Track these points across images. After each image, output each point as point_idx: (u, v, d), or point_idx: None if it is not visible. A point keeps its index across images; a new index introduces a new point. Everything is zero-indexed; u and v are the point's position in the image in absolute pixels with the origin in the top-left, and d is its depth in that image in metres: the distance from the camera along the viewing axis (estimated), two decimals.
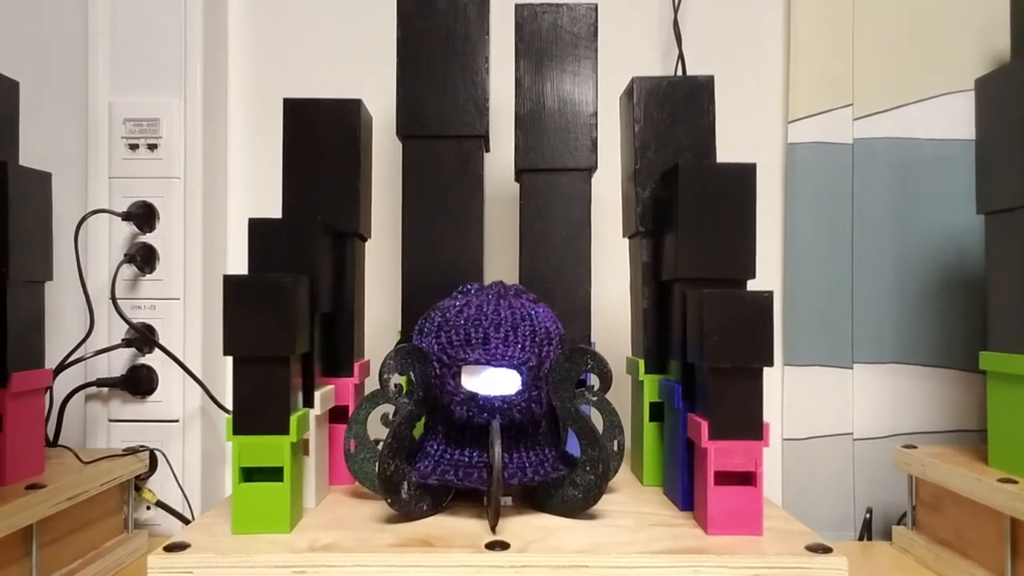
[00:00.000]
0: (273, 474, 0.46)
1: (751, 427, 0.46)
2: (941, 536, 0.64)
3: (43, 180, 0.60)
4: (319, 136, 0.58)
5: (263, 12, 0.83)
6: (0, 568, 0.51)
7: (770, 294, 0.46)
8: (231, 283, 0.45)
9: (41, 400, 0.60)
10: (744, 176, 0.51)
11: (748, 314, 0.46)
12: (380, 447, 0.49)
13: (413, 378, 0.50)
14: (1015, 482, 0.55)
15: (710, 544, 0.45)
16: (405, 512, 0.49)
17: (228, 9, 0.82)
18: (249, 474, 0.47)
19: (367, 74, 0.80)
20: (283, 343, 0.46)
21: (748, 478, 0.47)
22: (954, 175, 0.77)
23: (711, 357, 0.46)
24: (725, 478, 0.47)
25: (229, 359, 0.46)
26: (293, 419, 0.46)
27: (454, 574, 0.42)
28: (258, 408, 0.46)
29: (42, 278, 0.60)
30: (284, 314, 0.45)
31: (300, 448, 0.50)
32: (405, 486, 0.48)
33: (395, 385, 0.50)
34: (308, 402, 0.51)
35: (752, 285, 0.51)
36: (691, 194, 0.51)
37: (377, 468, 0.48)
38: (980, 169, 0.62)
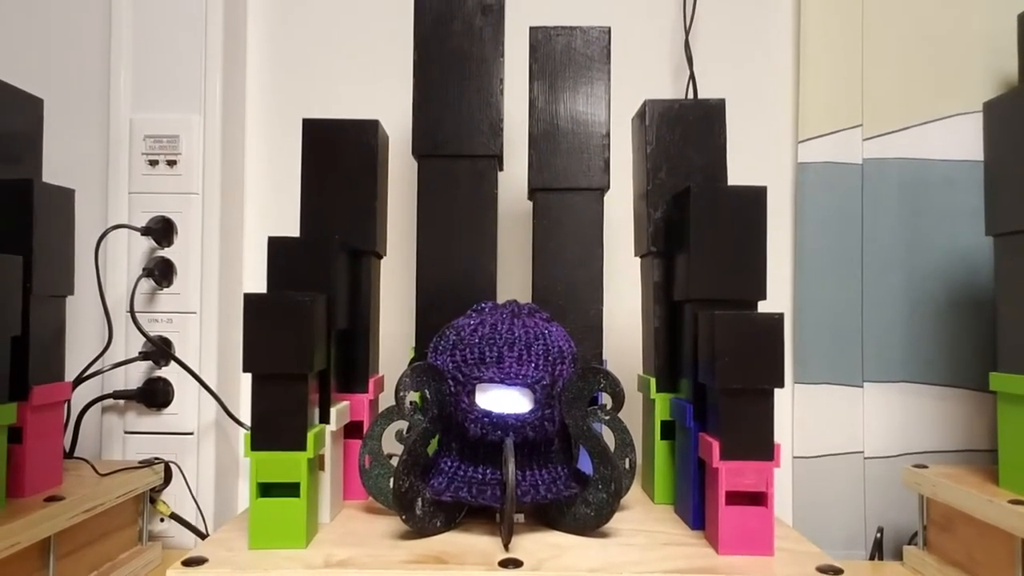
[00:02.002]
0: (290, 489, 0.47)
1: (762, 448, 0.47)
2: (952, 557, 0.64)
3: (67, 196, 0.61)
4: (337, 156, 0.59)
5: (281, 31, 0.84)
6: None
7: (781, 316, 0.47)
8: (251, 301, 0.46)
9: (60, 413, 0.61)
10: (755, 198, 0.51)
11: (759, 335, 0.46)
12: (395, 463, 0.50)
13: (428, 395, 0.51)
14: None
15: (721, 564, 0.45)
16: (419, 528, 0.49)
17: (247, 28, 0.84)
18: (266, 489, 0.47)
19: (382, 92, 0.81)
20: (301, 361, 0.46)
21: (759, 498, 0.47)
22: (964, 195, 0.78)
23: (722, 378, 0.46)
24: (736, 498, 0.47)
25: (246, 375, 0.47)
26: (310, 435, 0.47)
27: None
28: (276, 424, 0.47)
29: (64, 292, 0.61)
30: (303, 332, 0.46)
31: (316, 464, 0.50)
32: (419, 503, 0.49)
33: (410, 403, 0.51)
34: (324, 418, 0.52)
35: (762, 304, 0.52)
36: (702, 216, 0.52)
37: (392, 484, 0.49)
38: (989, 191, 0.63)
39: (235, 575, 0.43)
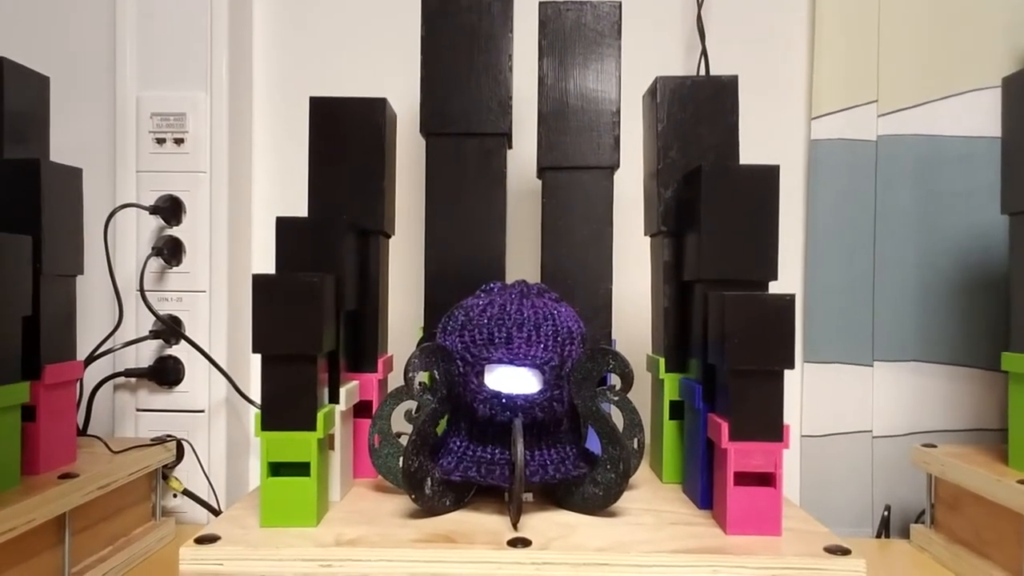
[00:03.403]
0: (300, 469, 0.47)
1: (771, 429, 0.46)
2: (959, 535, 0.64)
3: (74, 176, 0.61)
4: (345, 135, 0.59)
5: (288, 8, 0.83)
6: (34, 555, 0.53)
7: (792, 297, 0.46)
8: (260, 282, 0.46)
9: (73, 391, 0.62)
10: (767, 178, 0.51)
11: (770, 317, 0.46)
12: (404, 442, 0.50)
13: (437, 376, 0.51)
14: None
15: (729, 544, 0.45)
16: (428, 508, 0.49)
17: (253, 4, 0.83)
18: (276, 468, 0.48)
19: (390, 70, 0.81)
20: (311, 341, 0.46)
21: (767, 479, 0.47)
22: (979, 172, 0.77)
23: (732, 359, 0.46)
24: (745, 478, 0.47)
25: (255, 354, 0.47)
26: (320, 415, 0.47)
27: (477, 570, 0.43)
28: (286, 405, 0.47)
29: (73, 272, 0.61)
30: (312, 313, 0.46)
31: (326, 443, 0.51)
32: (429, 482, 0.49)
33: (419, 383, 0.51)
34: (334, 398, 0.52)
35: (773, 284, 0.51)
36: (714, 196, 0.51)
37: (401, 464, 0.49)
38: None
39: (247, 553, 0.44)
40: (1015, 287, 0.61)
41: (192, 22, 0.75)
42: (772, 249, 0.51)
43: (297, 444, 0.47)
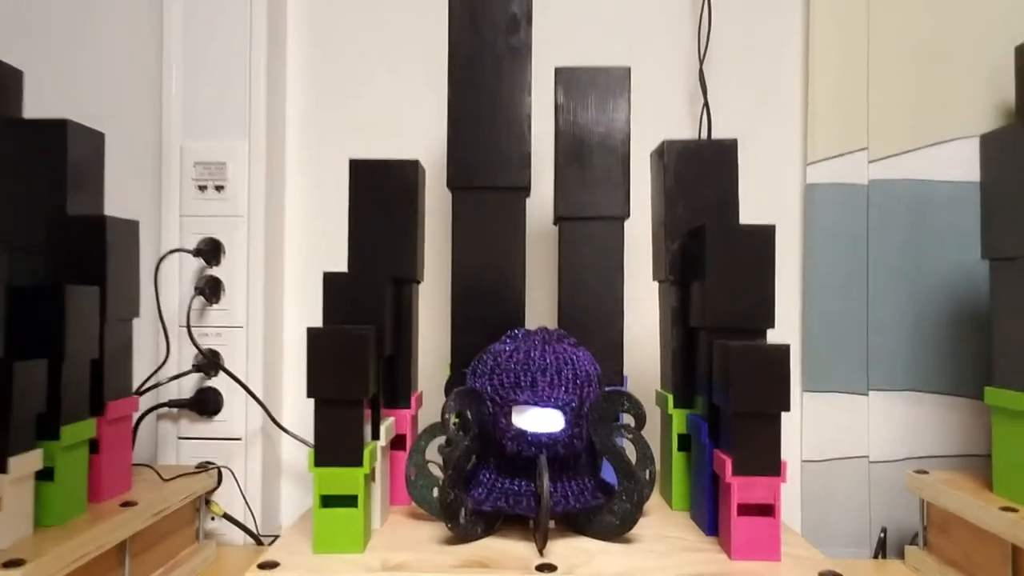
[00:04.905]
0: (348, 500, 0.53)
1: (770, 464, 0.52)
2: (950, 557, 0.68)
3: (132, 228, 0.67)
4: (382, 194, 0.64)
5: (320, 65, 0.89)
6: None
7: (787, 347, 0.51)
8: (314, 335, 0.52)
9: (129, 424, 0.67)
10: (764, 237, 0.56)
11: (768, 365, 0.51)
12: (433, 470, 0.55)
13: (470, 416, 0.56)
14: (1016, 511, 0.60)
15: (734, 569, 0.51)
16: (462, 535, 0.55)
17: (287, 59, 0.89)
18: (326, 500, 0.53)
19: (413, 122, 0.86)
20: (359, 387, 0.52)
21: (768, 509, 0.52)
22: (966, 214, 0.81)
23: (735, 403, 0.52)
24: (747, 509, 0.52)
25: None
26: (366, 452, 0.53)
27: None
28: (336, 443, 0.52)
29: (131, 315, 0.66)
30: (360, 361, 0.52)
31: (371, 477, 0.56)
32: (463, 512, 0.54)
33: (454, 423, 0.56)
34: (376, 435, 0.57)
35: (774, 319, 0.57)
36: (717, 252, 0.57)
37: (438, 496, 0.54)
38: (985, 219, 0.67)
39: None
40: (996, 327, 0.66)
41: (232, 76, 0.81)
42: (769, 300, 0.56)
43: (346, 479, 0.52)
